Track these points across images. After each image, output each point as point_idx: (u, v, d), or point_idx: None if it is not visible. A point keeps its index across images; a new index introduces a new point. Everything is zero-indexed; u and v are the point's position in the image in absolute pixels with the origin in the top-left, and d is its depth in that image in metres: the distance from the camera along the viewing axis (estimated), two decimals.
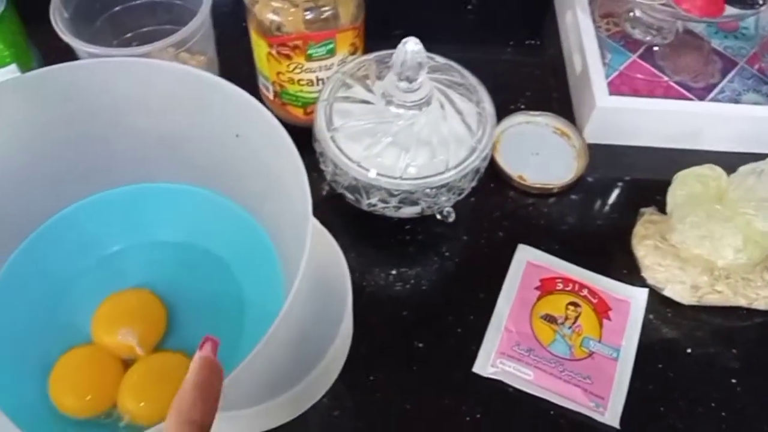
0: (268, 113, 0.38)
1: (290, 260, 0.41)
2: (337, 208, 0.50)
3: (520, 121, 0.55)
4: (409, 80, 0.42)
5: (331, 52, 0.47)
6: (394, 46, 0.48)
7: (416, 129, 0.43)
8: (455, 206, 0.49)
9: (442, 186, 0.43)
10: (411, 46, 0.40)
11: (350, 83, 0.46)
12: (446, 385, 0.43)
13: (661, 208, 0.50)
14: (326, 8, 0.45)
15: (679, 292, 0.46)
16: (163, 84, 0.41)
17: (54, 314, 0.42)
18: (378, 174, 0.42)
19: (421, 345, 0.45)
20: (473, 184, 0.46)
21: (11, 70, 0.48)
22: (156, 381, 0.40)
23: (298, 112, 0.51)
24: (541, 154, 0.54)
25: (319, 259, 0.33)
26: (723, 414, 0.43)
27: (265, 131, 0.38)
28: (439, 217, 0.50)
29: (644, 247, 0.47)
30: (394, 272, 0.48)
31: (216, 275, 0.45)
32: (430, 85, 0.43)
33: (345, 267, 0.33)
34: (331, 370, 0.31)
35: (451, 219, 0.49)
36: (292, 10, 0.45)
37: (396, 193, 0.43)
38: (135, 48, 0.48)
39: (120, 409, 0.39)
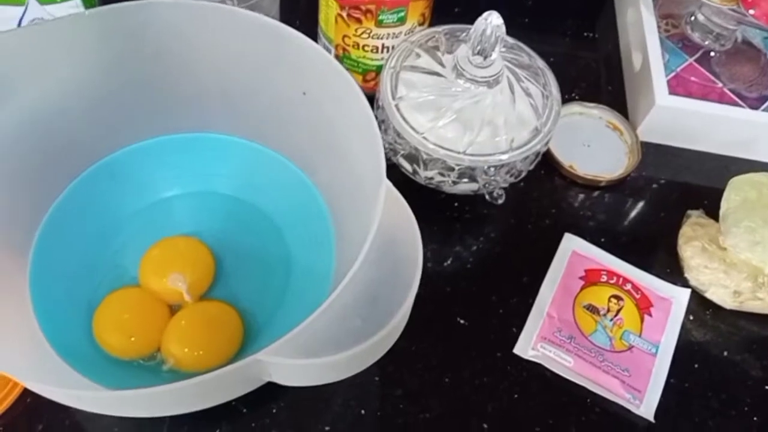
0: (345, 71, 0.37)
1: (345, 221, 0.41)
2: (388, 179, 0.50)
3: (575, 111, 0.55)
4: (484, 55, 0.41)
5: (402, 20, 0.47)
6: (453, 23, 0.48)
7: (482, 106, 0.43)
8: (504, 189, 0.49)
9: (503, 166, 0.43)
10: (494, 19, 0.39)
11: (419, 53, 0.45)
12: (486, 362, 0.43)
13: (709, 213, 0.50)
14: None
15: (721, 295, 0.47)
16: (234, 32, 0.41)
17: (103, 253, 0.42)
18: (441, 147, 0.42)
19: (462, 321, 0.45)
20: (531, 167, 0.46)
21: (74, 4, 0.47)
22: (202, 328, 0.40)
23: (357, 79, 0.51)
24: (592, 146, 0.54)
25: (391, 222, 0.33)
26: (755, 419, 0.43)
27: (336, 88, 0.38)
28: (488, 198, 0.50)
29: (691, 248, 0.47)
30: (438, 247, 0.48)
31: (265, 231, 0.45)
32: (502, 63, 0.43)
33: (417, 232, 0.33)
34: (397, 330, 0.31)
35: (500, 201, 0.49)
36: None
37: (456, 167, 0.43)
38: None
39: (164, 353, 0.39)
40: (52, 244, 0.40)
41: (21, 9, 0.46)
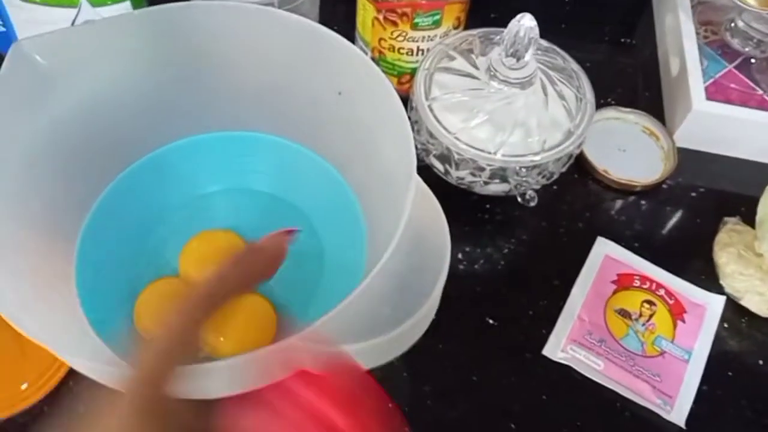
0: (379, 70, 0.38)
1: (377, 217, 0.42)
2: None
3: (610, 116, 0.55)
4: (517, 57, 0.42)
5: (437, 24, 0.48)
6: (489, 27, 0.48)
7: (515, 108, 0.44)
8: (537, 191, 0.49)
9: (535, 167, 0.44)
10: (527, 21, 0.40)
11: (453, 55, 0.46)
12: (514, 363, 0.44)
13: (746, 220, 0.49)
14: None
15: (757, 303, 0.46)
16: (274, 32, 0.42)
17: (145, 244, 0.44)
18: (472, 147, 0.43)
19: (492, 321, 0.45)
20: (563, 169, 0.46)
21: (125, 6, 0.49)
22: (237, 319, 0.41)
23: (393, 81, 0.52)
24: (627, 151, 0.53)
25: (420, 215, 0.33)
26: None
27: (370, 88, 0.39)
28: (520, 200, 0.50)
29: (726, 255, 0.47)
30: (469, 248, 0.49)
31: (299, 226, 0.45)
32: (535, 65, 0.43)
33: (445, 224, 0.33)
34: (426, 319, 0.32)
35: (533, 203, 0.50)
36: None
37: (487, 167, 0.44)
38: None
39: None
40: (98, 233, 0.42)
41: (74, 11, 0.49)
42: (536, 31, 0.41)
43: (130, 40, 0.41)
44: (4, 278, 0.33)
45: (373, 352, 0.31)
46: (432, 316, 0.33)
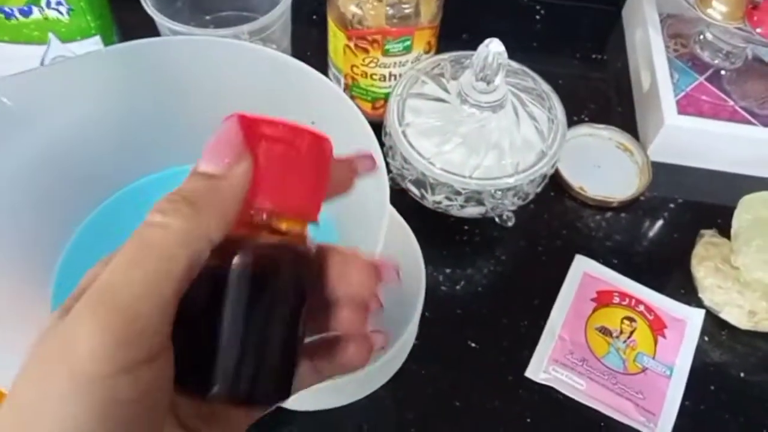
0: (350, 100, 0.38)
1: (357, 246, 0.42)
2: (397, 204, 0.50)
3: (584, 132, 0.55)
4: (487, 81, 0.42)
5: (408, 49, 0.48)
6: (462, 49, 0.49)
7: (487, 130, 0.44)
8: (514, 211, 0.50)
9: (509, 189, 0.44)
10: (495, 47, 0.40)
11: (425, 80, 0.46)
12: (497, 386, 0.44)
13: (722, 232, 0.50)
14: (407, 5, 0.46)
15: (736, 315, 0.46)
16: (246, 65, 0.42)
17: None
18: (447, 171, 0.43)
19: (473, 344, 0.45)
20: (538, 190, 0.46)
21: (95, 42, 0.49)
22: None
23: (366, 107, 0.52)
24: (602, 167, 0.54)
25: (395, 247, 0.33)
26: None
27: (342, 118, 0.39)
28: (498, 220, 0.50)
29: (704, 268, 0.47)
30: (449, 271, 0.49)
31: None
32: (506, 88, 0.44)
33: (419, 255, 0.33)
34: (402, 352, 0.32)
35: (510, 224, 0.50)
36: (375, 4, 0.46)
37: (462, 191, 0.44)
38: (215, 30, 0.49)
39: None
40: (74, 271, 0.42)
41: (44, 47, 0.48)
42: (505, 55, 0.41)
43: (100, 77, 0.41)
44: None
45: (354, 385, 0.31)
46: (409, 347, 0.33)
